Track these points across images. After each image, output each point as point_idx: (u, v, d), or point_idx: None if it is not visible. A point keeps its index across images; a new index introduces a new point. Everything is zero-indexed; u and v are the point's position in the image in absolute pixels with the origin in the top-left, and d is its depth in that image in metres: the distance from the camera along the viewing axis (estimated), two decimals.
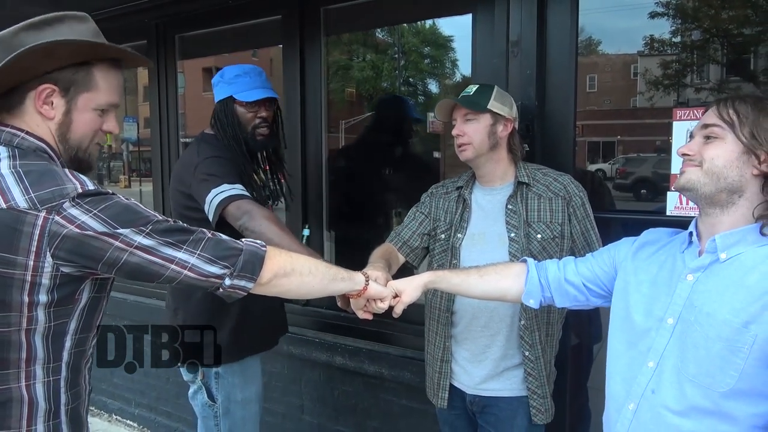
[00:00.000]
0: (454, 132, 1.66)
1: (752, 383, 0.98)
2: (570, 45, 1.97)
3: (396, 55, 3.35)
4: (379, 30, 3.34)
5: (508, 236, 1.63)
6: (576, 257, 1.44)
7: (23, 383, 1.04)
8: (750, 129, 1.04)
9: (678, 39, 2.32)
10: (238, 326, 1.89)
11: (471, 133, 1.63)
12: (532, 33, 1.98)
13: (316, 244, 2.67)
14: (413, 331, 2.24)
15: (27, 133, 1.07)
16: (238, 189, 1.74)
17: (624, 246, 1.32)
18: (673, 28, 2.27)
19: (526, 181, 1.66)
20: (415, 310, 1.90)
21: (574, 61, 1.98)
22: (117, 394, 3.50)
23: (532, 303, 1.41)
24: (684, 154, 1.11)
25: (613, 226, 1.90)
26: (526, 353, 1.64)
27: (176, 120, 3.17)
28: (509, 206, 1.66)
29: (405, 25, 3.31)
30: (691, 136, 1.15)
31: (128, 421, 3.51)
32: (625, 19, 2.29)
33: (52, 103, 1.08)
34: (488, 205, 1.70)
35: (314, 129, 2.68)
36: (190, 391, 1.99)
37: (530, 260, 1.45)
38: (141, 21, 3.12)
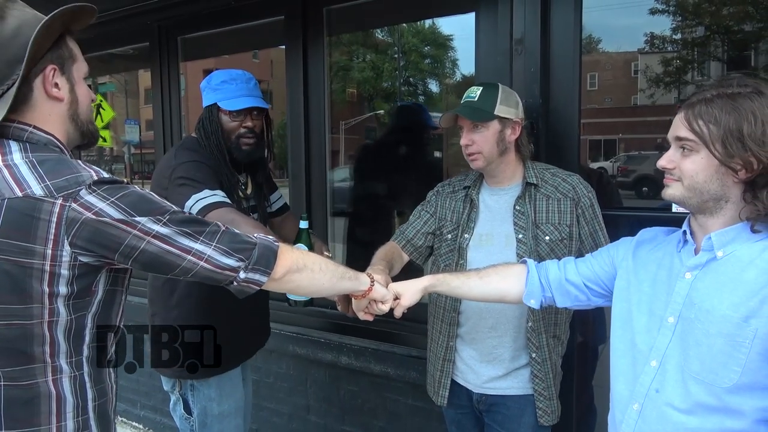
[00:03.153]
0: (463, 142, 1.62)
1: (755, 377, 0.99)
2: (574, 42, 1.98)
3: (396, 55, 3.35)
4: (378, 30, 3.34)
5: (516, 237, 1.62)
6: (576, 257, 1.44)
7: (50, 378, 1.01)
8: (722, 140, 1.01)
9: (679, 36, 2.32)
10: None
11: (480, 142, 1.60)
12: (535, 31, 1.98)
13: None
14: (419, 330, 2.23)
15: (35, 127, 1.04)
16: (219, 196, 1.66)
17: (623, 245, 1.32)
18: (674, 25, 2.27)
19: (535, 182, 1.64)
20: (421, 310, 1.90)
21: (578, 58, 1.98)
22: (122, 396, 3.50)
23: (533, 303, 1.41)
24: (664, 168, 1.10)
25: (621, 224, 1.90)
26: (533, 355, 1.63)
27: (179, 122, 3.17)
28: (517, 207, 1.64)
29: (405, 24, 3.30)
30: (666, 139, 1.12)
31: (134, 423, 3.51)
32: (626, 16, 2.29)
33: (57, 84, 1.05)
34: (496, 206, 1.68)
35: (318, 130, 2.68)
36: (171, 402, 1.94)
37: (530, 261, 1.45)
38: (143, 23, 3.12)
